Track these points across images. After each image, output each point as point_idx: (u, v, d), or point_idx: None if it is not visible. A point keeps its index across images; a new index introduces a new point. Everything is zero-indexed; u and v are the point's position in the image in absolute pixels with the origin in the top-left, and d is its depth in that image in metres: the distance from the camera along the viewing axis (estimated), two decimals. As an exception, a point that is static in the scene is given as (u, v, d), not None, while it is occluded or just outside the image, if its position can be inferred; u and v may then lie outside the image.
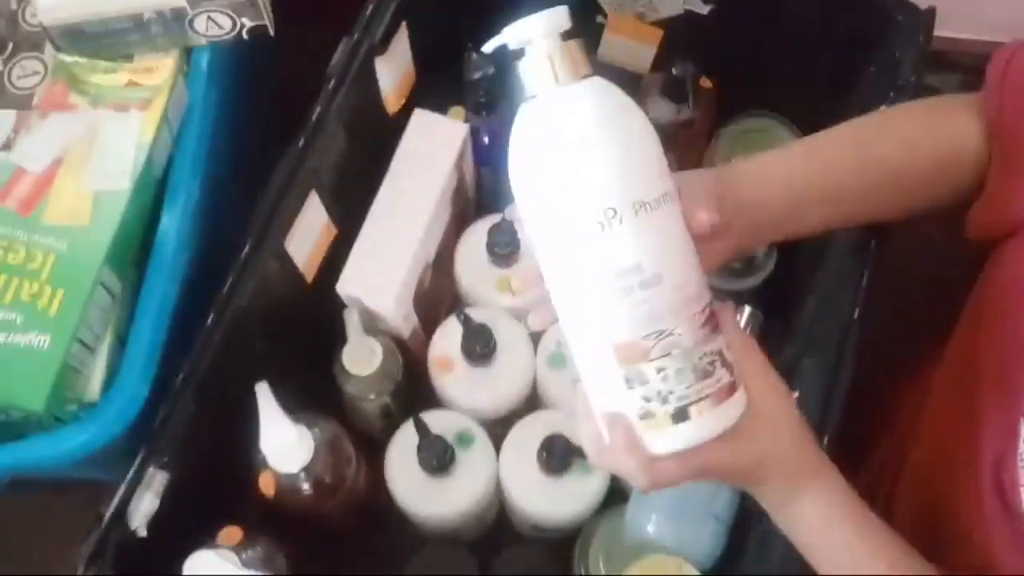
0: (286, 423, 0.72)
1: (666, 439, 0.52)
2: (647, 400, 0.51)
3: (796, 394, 0.73)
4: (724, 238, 0.63)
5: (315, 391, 0.85)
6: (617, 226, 0.50)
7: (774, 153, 0.69)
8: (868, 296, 0.73)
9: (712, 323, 0.52)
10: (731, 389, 0.53)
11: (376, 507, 0.87)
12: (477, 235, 0.90)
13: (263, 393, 0.73)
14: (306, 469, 0.75)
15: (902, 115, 0.72)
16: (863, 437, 0.77)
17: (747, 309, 0.82)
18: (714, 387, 0.51)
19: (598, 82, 0.52)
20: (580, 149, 0.50)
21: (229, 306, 0.74)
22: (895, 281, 0.76)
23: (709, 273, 0.61)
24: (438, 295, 0.92)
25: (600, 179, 0.50)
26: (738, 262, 0.90)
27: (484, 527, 0.91)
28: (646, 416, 0.52)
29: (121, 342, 0.68)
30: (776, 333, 0.85)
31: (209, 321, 0.73)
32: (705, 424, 0.52)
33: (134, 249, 0.68)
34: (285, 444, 0.72)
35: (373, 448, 0.87)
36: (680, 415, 0.51)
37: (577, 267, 0.51)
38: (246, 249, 0.75)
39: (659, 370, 0.51)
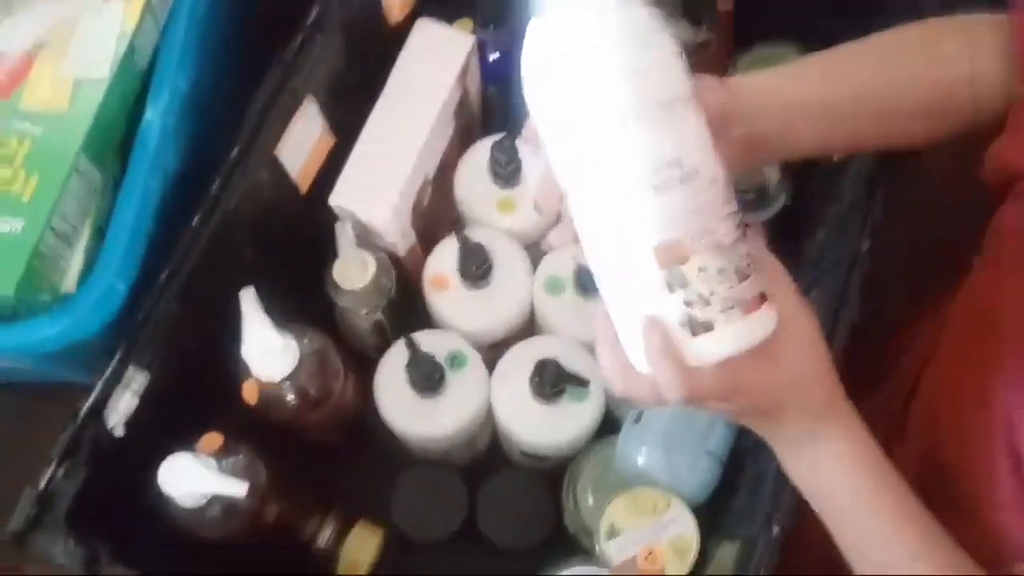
0: (270, 330, 0.70)
1: (708, 347, 0.50)
2: (688, 304, 0.49)
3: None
4: (721, 147, 0.60)
5: (308, 305, 0.83)
6: (657, 118, 0.48)
7: (776, 69, 0.65)
8: (877, 226, 0.69)
9: (742, 228, 0.50)
10: (763, 297, 0.50)
11: (365, 425, 0.85)
12: (479, 154, 0.87)
13: (248, 299, 0.71)
14: (290, 379, 0.73)
15: (911, 35, 0.67)
16: (871, 374, 0.74)
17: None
18: (755, 291, 0.49)
19: None
20: (619, 43, 0.48)
21: (217, 208, 0.72)
22: (911, 214, 0.72)
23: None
24: (438, 214, 0.90)
25: (638, 73, 0.48)
26: (750, 191, 0.87)
27: (475, 452, 0.89)
28: (688, 322, 0.49)
29: (101, 236, 0.66)
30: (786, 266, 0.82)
31: (195, 221, 0.71)
32: (746, 330, 0.49)
33: (116, 141, 0.66)
34: (269, 352, 0.70)
35: (366, 366, 0.85)
36: (724, 320, 0.49)
37: (612, 167, 0.49)
38: (234, 152, 0.72)
39: (701, 269, 0.48)
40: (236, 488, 0.68)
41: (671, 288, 0.49)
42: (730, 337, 0.49)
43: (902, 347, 0.76)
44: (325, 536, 0.85)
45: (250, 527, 0.76)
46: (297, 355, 0.72)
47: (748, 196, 0.87)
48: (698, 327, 0.49)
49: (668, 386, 0.50)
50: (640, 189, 0.48)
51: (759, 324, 0.50)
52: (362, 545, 0.85)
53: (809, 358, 0.54)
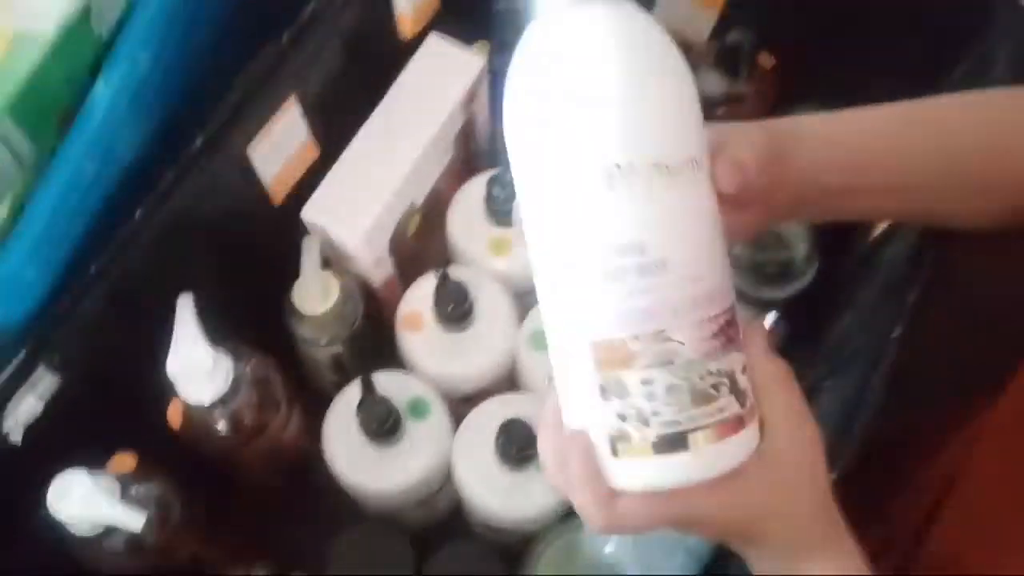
0: (202, 346, 0.62)
1: (637, 472, 0.41)
2: (622, 418, 0.40)
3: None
4: (760, 205, 0.51)
5: (270, 332, 0.75)
6: (623, 189, 0.39)
7: (839, 115, 0.56)
8: (915, 314, 0.59)
9: (727, 336, 0.41)
10: (738, 424, 0.41)
11: (313, 470, 0.76)
12: (476, 188, 0.79)
13: (184, 307, 0.63)
14: (221, 404, 0.64)
15: (1004, 99, 0.58)
16: (890, 481, 0.63)
17: (772, 315, 0.70)
18: (715, 417, 0.40)
19: (627, 5, 0.41)
20: (590, 82, 0.39)
21: (166, 204, 0.64)
22: (959, 302, 0.62)
23: (737, 240, 0.50)
24: (427, 250, 0.81)
25: (611, 124, 0.39)
26: (772, 266, 0.78)
27: (433, 513, 0.80)
28: (619, 438, 0.40)
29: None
30: (804, 354, 0.72)
31: (138, 214, 0.63)
32: (694, 462, 0.40)
33: (57, 111, 0.58)
34: (196, 369, 0.62)
35: (325, 405, 0.76)
36: (663, 444, 0.40)
37: (564, 234, 0.40)
38: (197, 142, 0.65)
39: (644, 382, 0.39)
40: (132, 520, 0.59)
41: (605, 395, 0.40)
42: (657, 468, 0.40)
43: (918, 464, 0.65)
44: (255, 586, 0.76)
45: (156, 568, 0.66)
46: (229, 378, 0.63)
47: (769, 270, 0.78)
48: (624, 447, 0.40)
49: (585, 512, 0.42)
50: (590, 267, 0.40)
51: (719, 453, 0.40)
52: (290, 604, 0.75)
53: (800, 493, 0.44)
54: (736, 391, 0.41)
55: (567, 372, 0.42)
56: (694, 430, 0.39)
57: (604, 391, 0.40)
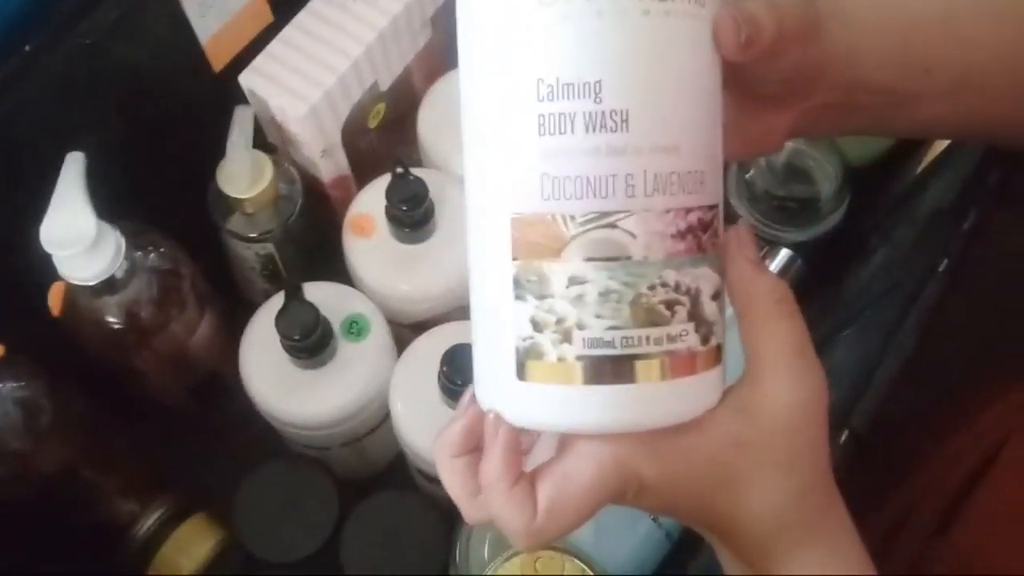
0: (85, 212, 0.50)
1: (545, 404, 0.30)
2: (537, 326, 0.29)
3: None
4: (789, 101, 0.39)
5: (194, 225, 0.63)
6: (581, 3, 0.28)
7: None
8: (969, 245, 0.47)
9: (699, 242, 0.29)
10: (692, 363, 0.30)
11: (229, 394, 0.65)
12: (456, 81, 0.67)
13: (71, 165, 0.51)
14: (109, 287, 0.53)
15: None
16: (912, 453, 0.51)
17: (783, 252, 0.58)
18: (661, 346, 0.29)
19: None
20: None
21: (66, 40, 0.53)
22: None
23: (757, 151, 0.38)
24: (392, 150, 0.70)
25: None
26: (794, 203, 0.66)
27: (365, 462, 0.68)
28: (529, 353, 0.29)
29: None
30: (822, 304, 0.60)
31: (28, 47, 0.52)
32: (624, 400, 0.29)
33: None
34: (75, 239, 0.50)
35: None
36: (583, 369, 0.29)
37: (491, 67, 0.30)
38: (109, -30, 0.54)
39: (573, 280, 0.29)
40: (-29, 412, 0.48)
41: (518, 291, 0.29)
42: (571, 401, 0.29)
43: (950, 434, 0.53)
44: (147, 523, 0.64)
45: (21, 480, 0.55)
46: (120, 257, 0.52)
47: (790, 206, 0.66)
48: (534, 366, 0.29)
49: (506, 528, 0.31)
50: (517, 116, 0.29)
51: (648, 399, 0.29)
52: (188, 544, 0.64)
53: (794, 465, 0.33)
54: (698, 318, 0.30)
55: (482, 263, 0.31)
56: (628, 358, 0.29)
57: (519, 286, 0.29)
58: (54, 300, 0.54)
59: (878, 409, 0.45)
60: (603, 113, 0.28)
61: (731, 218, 0.68)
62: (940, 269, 0.46)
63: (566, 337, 0.29)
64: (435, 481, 0.62)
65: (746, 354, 0.33)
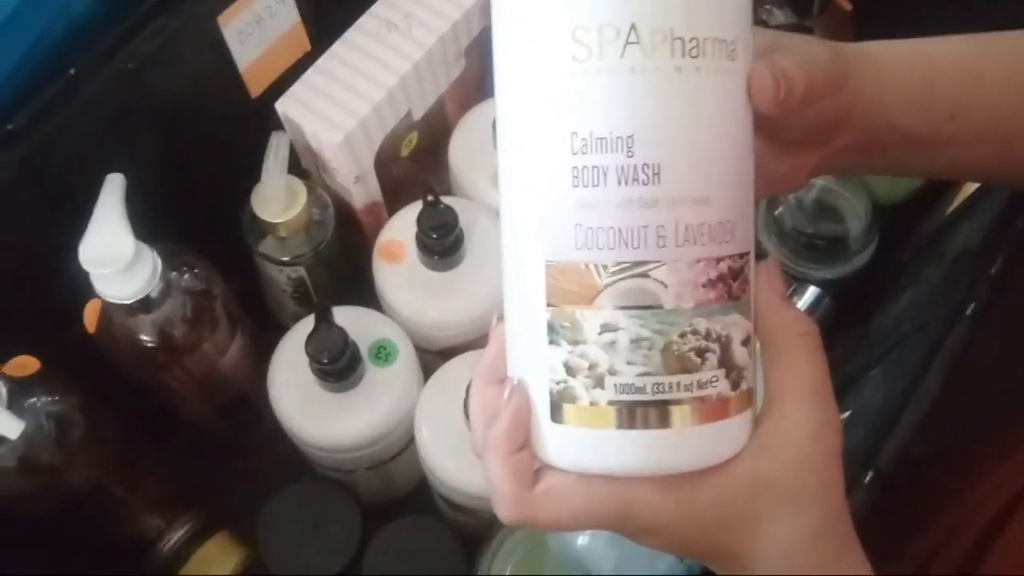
0: (123, 232, 0.51)
1: (574, 446, 0.31)
2: (570, 371, 0.30)
3: (844, 416, 0.49)
4: (816, 145, 0.39)
5: (229, 247, 0.64)
6: (611, 57, 0.29)
7: (921, 42, 0.43)
8: (998, 289, 0.47)
9: (729, 289, 0.30)
10: (723, 408, 0.30)
11: (258, 414, 0.66)
12: (487, 112, 0.68)
13: (111, 186, 0.52)
14: (145, 306, 0.54)
15: None
16: (936, 495, 0.50)
17: (811, 289, 0.58)
18: (691, 392, 0.30)
19: None
20: None
21: (109, 65, 0.54)
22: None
23: (782, 190, 0.39)
24: (424, 177, 0.71)
25: None
26: (823, 240, 0.66)
27: (390, 486, 0.68)
28: (562, 396, 0.30)
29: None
30: (848, 343, 0.60)
31: (73, 71, 0.53)
32: (651, 446, 0.30)
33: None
34: (114, 258, 0.51)
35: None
36: (612, 414, 0.30)
37: (529, 118, 0.30)
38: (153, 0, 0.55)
39: (606, 328, 0.29)
40: (8, 427, 0.49)
41: (553, 336, 0.30)
42: (600, 444, 0.30)
43: (974, 479, 0.53)
44: (172, 539, 0.65)
45: (51, 493, 0.56)
46: (156, 277, 0.53)
47: (819, 244, 0.66)
48: (567, 409, 0.30)
49: (495, 489, 0.32)
50: (553, 167, 0.30)
51: (693, 442, 0.30)
52: (212, 562, 0.65)
53: (797, 499, 0.32)
54: (728, 364, 0.30)
55: (518, 306, 0.32)
56: (660, 404, 0.29)
57: (553, 331, 0.30)
58: (90, 317, 0.55)
59: (903, 450, 0.45)
60: (635, 167, 0.29)
61: (760, 255, 0.69)
62: (967, 313, 0.46)
63: (598, 382, 0.29)
64: (458, 508, 0.63)
65: (767, 386, 0.33)
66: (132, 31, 0.55)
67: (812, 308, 0.60)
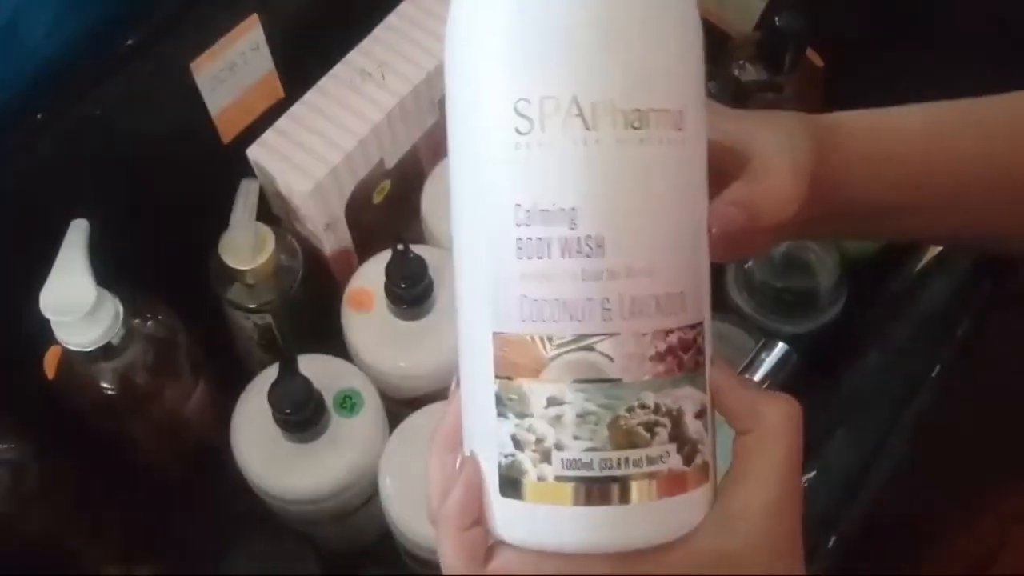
0: (85, 279, 0.51)
1: (524, 522, 0.30)
2: (518, 445, 0.29)
3: (808, 476, 0.49)
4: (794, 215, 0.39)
5: (196, 295, 0.64)
6: (555, 133, 0.29)
7: (885, 114, 0.43)
8: (962, 353, 0.47)
9: (680, 361, 0.30)
10: (677, 483, 0.30)
11: (220, 463, 0.64)
12: (461, 161, 0.68)
13: (75, 232, 0.52)
14: (106, 354, 0.53)
15: None
16: (903, 556, 0.50)
17: (780, 346, 0.58)
18: (641, 468, 0.29)
19: None
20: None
21: (76, 107, 0.54)
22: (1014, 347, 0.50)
23: (744, 256, 0.39)
24: (395, 226, 0.70)
25: (538, 38, 0.29)
26: (792, 295, 0.66)
27: (355, 538, 0.67)
28: (510, 471, 0.30)
29: None
30: (816, 399, 0.60)
31: (40, 115, 0.53)
32: (600, 523, 0.29)
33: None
34: (74, 305, 0.50)
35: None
36: (563, 489, 0.29)
37: (474, 188, 0.30)
38: (128, 42, 0.55)
39: (552, 402, 0.29)
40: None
41: (500, 409, 0.30)
42: (550, 520, 0.29)
43: (942, 539, 0.52)
44: (129, 591, 0.64)
45: (4, 544, 0.55)
46: (118, 324, 0.52)
47: (788, 299, 0.66)
48: (515, 485, 0.30)
49: (446, 559, 0.31)
50: (497, 239, 0.29)
51: (642, 519, 0.30)
52: (168, 615, 0.63)
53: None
54: (680, 439, 0.29)
55: (468, 376, 0.31)
56: (609, 480, 0.29)
57: (501, 403, 0.29)
58: (49, 364, 0.55)
59: (867, 515, 0.45)
60: (578, 239, 0.28)
61: (729, 308, 0.69)
62: (932, 375, 0.46)
63: (545, 457, 0.29)
64: (421, 562, 0.62)
65: (744, 459, 0.32)
66: (102, 75, 0.55)
67: (780, 365, 0.60)
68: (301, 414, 0.57)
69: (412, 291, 0.60)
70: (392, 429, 0.62)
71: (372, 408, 0.61)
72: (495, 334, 0.29)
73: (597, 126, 0.28)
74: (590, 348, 0.28)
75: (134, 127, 0.57)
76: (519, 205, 0.29)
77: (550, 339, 0.29)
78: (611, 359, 0.28)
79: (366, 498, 0.63)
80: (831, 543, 0.44)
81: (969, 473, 0.49)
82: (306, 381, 0.57)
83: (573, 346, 0.28)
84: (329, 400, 0.60)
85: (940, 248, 0.64)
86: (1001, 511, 0.47)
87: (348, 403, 0.60)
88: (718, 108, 0.37)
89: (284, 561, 0.63)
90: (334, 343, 0.66)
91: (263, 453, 0.60)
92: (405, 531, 0.59)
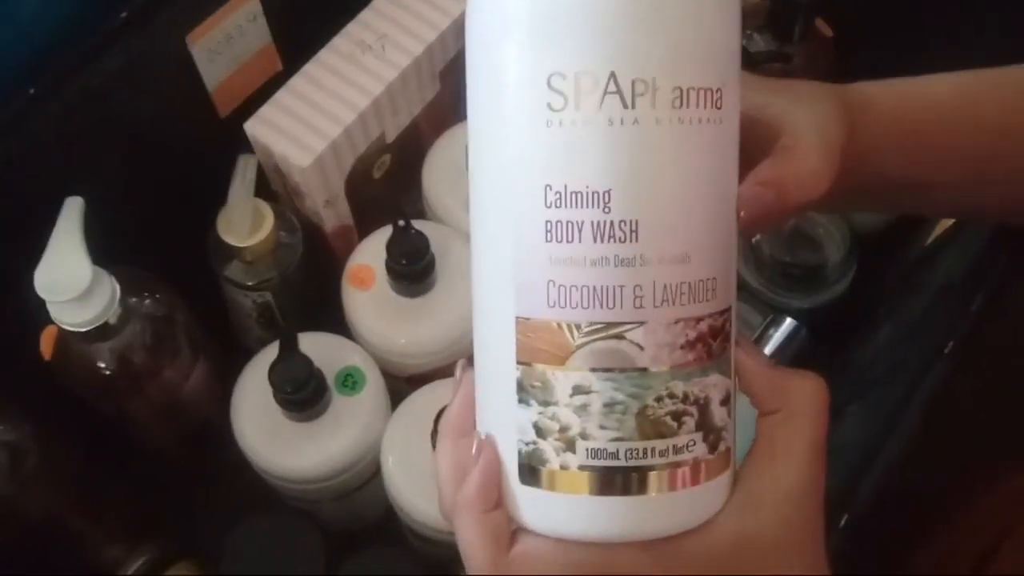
0: (80, 257, 0.50)
1: (547, 510, 0.29)
2: (540, 432, 0.29)
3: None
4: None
5: (195, 272, 0.63)
6: (591, 111, 0.27)
7: (906, 85, 0.41)
8: (976, 327, 0.46)
9: (709, 349, 0.29)
10: (701, 472, 0.29)
11: (221, 442, 0.64)
12: (462, 135, 0.67)
13: (70, 210, 0.51)
14: (102, 333, 0.52)
15: None
16: (916, 534, 0.49)
17: (788, 321, 0.57)
18: (667, 458, 0.28)
19: None
20: None
21: (71, 83, 0.53)
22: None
23: (765, 230, 0.38)
24: (396, 201, 0.69)
25: (573, 15, 0.28)
26: (800, 270, 0.65)
27: (356, 516, 0.67)
28: (531, 459, 0.29)
29: None
30: (826, 375, 0.59)
31: (32, 90, 0.52)
32: (626, 512, 0.29)
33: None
34: (70, 284, 0.49)
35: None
36: (586, 479, 0.28)
37: (500, 168, 0.29)
38: (122, 15, 0.54)
39: (577, 390, 0.28)
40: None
41: (522, 396, 0.29)
42: (574, 509, 0.29)
43: (955, 515, 0.51)
44: (131, 569, 0.63)
45: (4, 523, 0.54)
46: (115, 303, 0.51)
47: (796, 273, 0.65)
48: (536, 473, 0.29)
49: (467, 550, 0.30)
50: (525, 221, 0.28)
51: (666, 507, 0.29)
52: (171, 594, 0.63)
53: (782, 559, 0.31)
54: (706, 427, 0.29)
55: (487, 360, 0.30)
56: (634, 470, 0.28)
57: (523, 390, 0.28)
58: (46, 344, 0.54)
59: (880, 491, 0.44)
60: (612, 223, 0.27)
61: (737, 283, 0.68)
62: (946, 351, 0.45)
63: (569, 446, 0.28)
64: (424, 539, 0.61)
65: (768, 440, 0.32)
66: (97, 49, 0.53)
67: (789, 339, 0.59)
68: (302, 393, 0.56)
69: (413, 267, 0.59)
70: (394, 407, 0.61)
71: (374, 386, 0.60)
72: (518, 319, 0.28)
73: (636, 105, 0.27)
74: (620, 336, 0.27)
75: (129, 102, 0.56)
76: (549, 186, 0.27)
77: (578, 326, 0.28)
78: (641, 348, 0.27)
79: (368, 476, 0.62)
80: (843, 522, 0.43)
81: (982, 450, 0.49)
82: (307, 359, 0.56)
83: (602, 334, 0.28)
84: (330, 378, 0.59)
85: (951, 221, 0.63)
86: (1015, 486, 0.46)
87: (350, 381, 0.60)
88: (747, 78, 0.36)
89: (287, 539, 0.62)
90: (334, 320, 0.65)
91: (264, 432, 0.59)
92: (408, 509, 0.58)
